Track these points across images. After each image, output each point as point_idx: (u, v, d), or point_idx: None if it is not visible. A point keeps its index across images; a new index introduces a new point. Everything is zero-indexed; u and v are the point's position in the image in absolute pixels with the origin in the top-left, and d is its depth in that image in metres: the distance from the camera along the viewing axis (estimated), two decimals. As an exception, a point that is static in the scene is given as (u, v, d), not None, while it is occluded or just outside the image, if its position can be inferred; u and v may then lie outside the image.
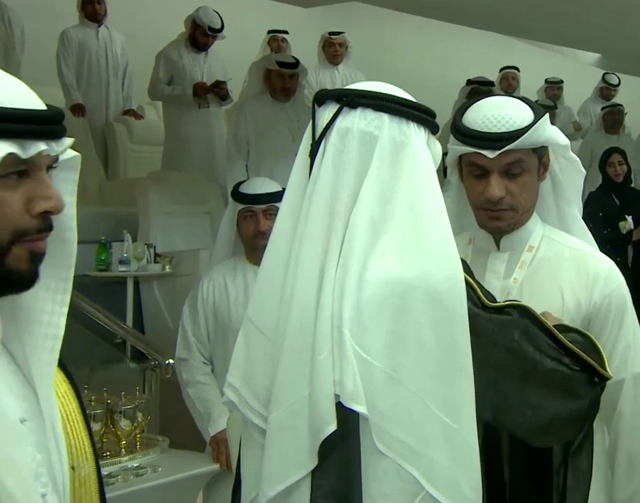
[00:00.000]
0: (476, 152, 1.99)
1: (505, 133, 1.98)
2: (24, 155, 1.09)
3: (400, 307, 1.56)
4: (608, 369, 1.75)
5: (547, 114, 2.05)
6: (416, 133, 1.66)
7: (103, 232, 5.50)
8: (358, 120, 1.65)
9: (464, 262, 1.65)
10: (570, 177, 2.15)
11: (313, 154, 1.66)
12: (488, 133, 1.98)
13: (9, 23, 6.99)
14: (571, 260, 2.08)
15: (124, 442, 3.29)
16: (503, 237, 2.09)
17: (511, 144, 1.97)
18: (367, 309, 1.55)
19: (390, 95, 1.68)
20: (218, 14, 6.91)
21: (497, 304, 1.69)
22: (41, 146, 1.11)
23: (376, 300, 1.55)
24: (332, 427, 1.52)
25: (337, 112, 1.65)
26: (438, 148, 1.71)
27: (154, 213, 6.03)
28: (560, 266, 2.08)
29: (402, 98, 1.69)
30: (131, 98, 7.68)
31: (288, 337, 1.59)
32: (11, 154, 1.08)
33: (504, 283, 2.07)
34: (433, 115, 1.72)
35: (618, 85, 9.79)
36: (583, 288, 2.04)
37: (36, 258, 1.14)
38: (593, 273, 2.05)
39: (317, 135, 1.66)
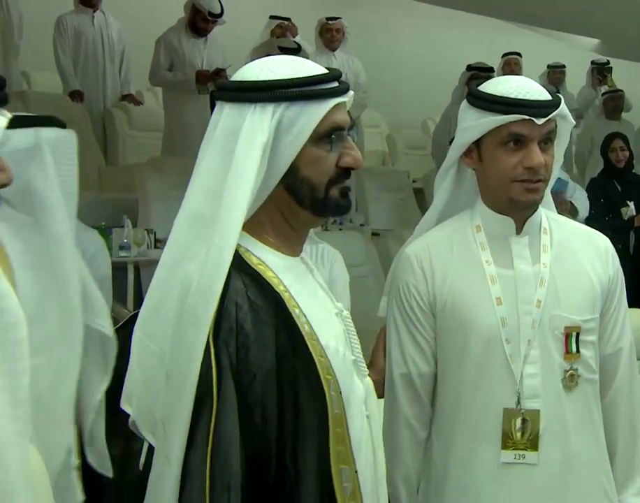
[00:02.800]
0: (524, 120, 1.98)
1: (548, 100, 2.01)
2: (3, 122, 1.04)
3: (178, 304, 1.59)
4: None
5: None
6: (255, 115, 1.57)
7: (103, 218, 5.49)
8: (215, 114, 1.62)
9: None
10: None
11: None
12: (536, 100, 1.99)
13: (7, 8, 6.95)
14: (583, 240, 2.15)
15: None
16: (527, 220, 2.08)
17: (556, 111, 2.01)
18: (160, 305, 1.61)
19: (228, 83, 1.63)
20: (218, -1, 6.89)
21: None
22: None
23: (167, 296, 1.60)
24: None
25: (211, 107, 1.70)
26: (298, 122, 1.58)
27: (154, 199, 6.02)
28: (576, 247, 2.13)
29: (242, 82, 1.61)
30: (129, 83, 7.66)
31: None
32: None
33: (536, 269, 2.07)
34: (293, 84, 1.59)
35: (607, 63, 9.72)
36: (601, 265, 2.13)
37: None
38: (604, 249, 2.15)
39: None
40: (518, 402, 2.03)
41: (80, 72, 7.31)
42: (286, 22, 8.15)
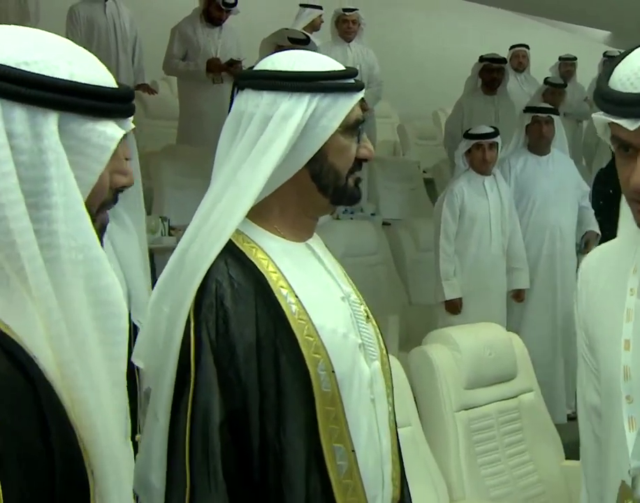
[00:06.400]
0: (615, 123, 1.41)
1: None
2: (122, 134, 1.14)
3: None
4: None
5: None
6: (291, 103, 1.63)
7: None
8: (243, 101, 1.68)
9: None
10: None
11: None
12: (627, 94, 1.38)
13: (24, -2, 6.91)
14: None
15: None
16: None
17: None
18: (172, 278, 1.67)
19: (267, 71, 1.68)
20: (232, -12, 6.90)
21: None
22: (131, 124, 1.18)
23: (171, 272, 1.68)
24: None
25: (232, 94, 1.71)
26: (330, 112, 1.65)
27: (168, 186, 6.04)
28: None
29: (279, 71, 1.67)
30: (142, 71, 7.63)
31: None
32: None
33: None
34: (329, 77, 1.67)
35: (620, 58, 9.64)
36: None
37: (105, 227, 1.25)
38: None
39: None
40: (633, 484, 1.53)
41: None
42: (321, 11, 8.32)
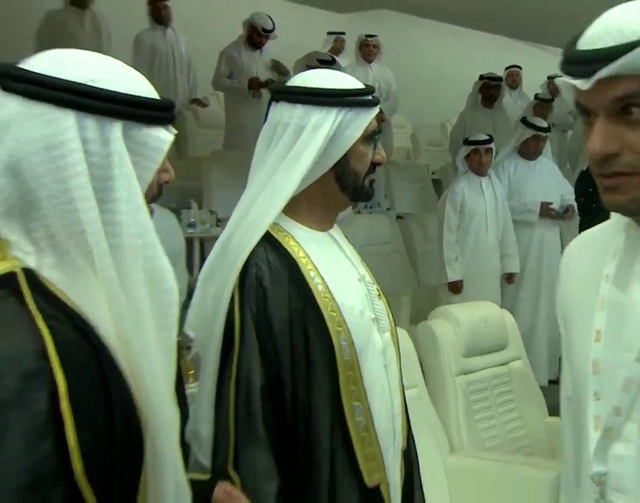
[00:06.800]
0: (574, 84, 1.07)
1: (601, 49, 1.03)
2: (172, 137, 1.15)
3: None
4: None
5: None
6: (321, 116, 1.64)
7: (174, 200, 5.55)
8: (278, 112, 1.67)
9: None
10: None
11: None
12: (583, 51, 1.05)
13: (97, 25, 6.95)
14: None
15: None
16: None
17: (607, 68, 1.01)
18: (212, 261, 1.69)
19: (300, 87, 1.67)
20: (270, 17, 6.94)
21: None
22: (174, 129, 1.18)
23: (216, 257, 1.68)
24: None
25: (268, 105, 1.71)
26: (353, 124, 1.66)
27: (216, 185, 6.09)
28: None
29: (312, 88, 1.66)
30: (196, 89, 7.69)
31: None
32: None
33: None
34: (353, 94, 1.67)
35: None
36: None
37: None
38: None
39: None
40: (599, 493, 1.13)
41: (155, 82, 7.30)
42: (342, 36, 8.46)
